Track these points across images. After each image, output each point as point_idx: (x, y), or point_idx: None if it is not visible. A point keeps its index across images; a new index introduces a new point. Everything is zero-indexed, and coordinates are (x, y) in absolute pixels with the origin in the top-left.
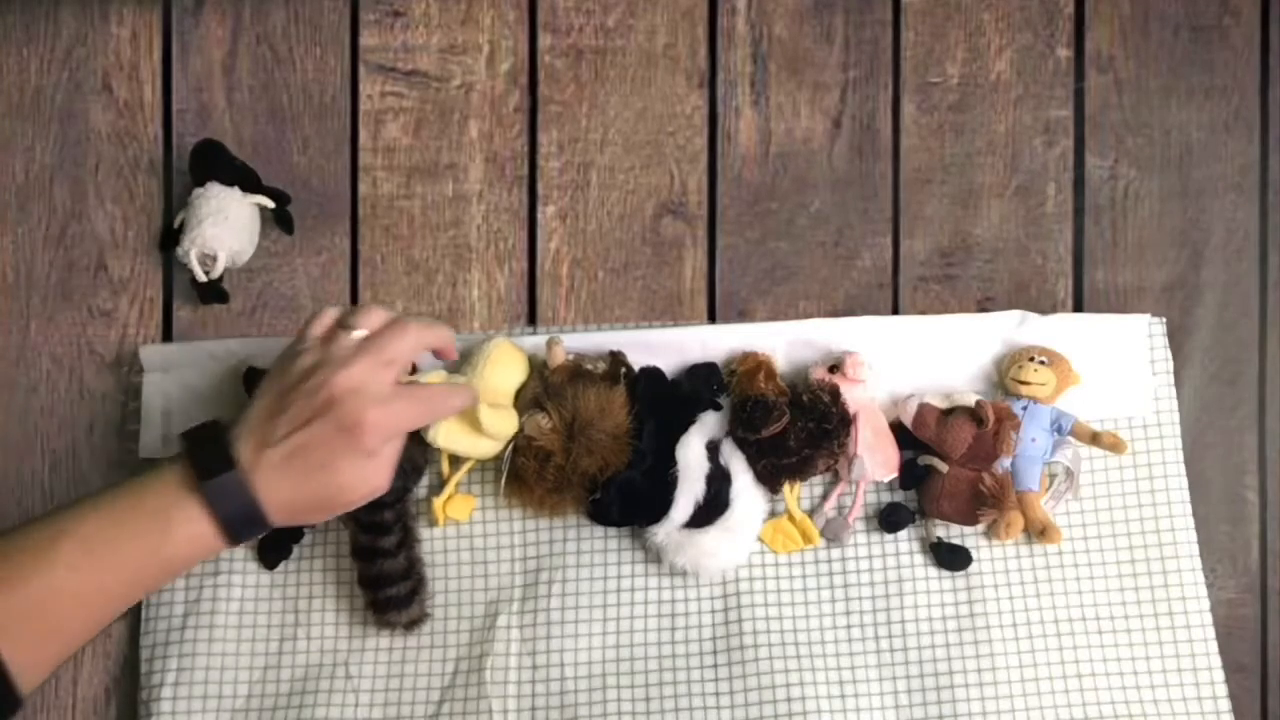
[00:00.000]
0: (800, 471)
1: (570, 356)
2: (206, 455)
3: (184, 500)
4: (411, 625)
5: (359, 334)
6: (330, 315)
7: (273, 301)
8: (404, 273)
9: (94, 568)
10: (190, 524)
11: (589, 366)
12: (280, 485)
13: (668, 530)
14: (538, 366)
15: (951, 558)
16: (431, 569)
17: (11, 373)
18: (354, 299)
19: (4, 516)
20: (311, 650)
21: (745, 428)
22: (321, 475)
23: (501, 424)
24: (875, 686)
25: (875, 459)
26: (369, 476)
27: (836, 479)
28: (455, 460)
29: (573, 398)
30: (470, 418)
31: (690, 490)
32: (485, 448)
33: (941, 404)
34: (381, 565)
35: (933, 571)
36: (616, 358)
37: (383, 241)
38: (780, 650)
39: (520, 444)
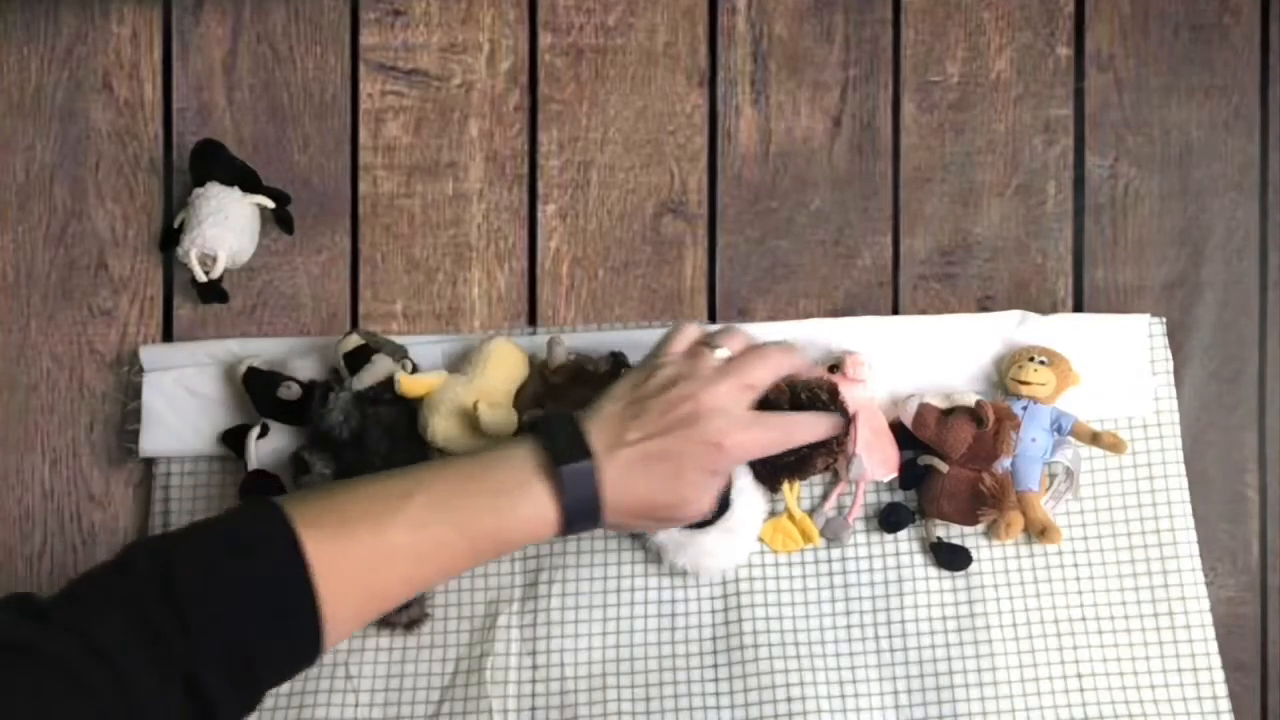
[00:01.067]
0: (799, 470)
1: (571, 357)
2: (563, 441)
3: (533, 480)
4: (411, 625)
5: (723, 354)
6: (693, 331)
7: (273, 300)
8: (404, 271)
9: (437, 531)
10: (533, 504)
11: (590, 367)
12: (626, 486)
13: (668, 530)
14: (538, 366)
15: (951, 558)
16: None
17: (12, 371)
18: (354, 298)
19: (4, 514)
20: None
21: None
22: (667, 484)
23: (501, 423)
24: (875, 686)
25: (875, 459)
26: (705, 496)
27: (836, 479)
28: None
29: (574, 398)
30: (470, 417)
31: None
32: None
33: (941, 404)
34: None
35: (933, 571)
36: (617, 358)
37: (383, 240)
38: (780, 650)
39: None
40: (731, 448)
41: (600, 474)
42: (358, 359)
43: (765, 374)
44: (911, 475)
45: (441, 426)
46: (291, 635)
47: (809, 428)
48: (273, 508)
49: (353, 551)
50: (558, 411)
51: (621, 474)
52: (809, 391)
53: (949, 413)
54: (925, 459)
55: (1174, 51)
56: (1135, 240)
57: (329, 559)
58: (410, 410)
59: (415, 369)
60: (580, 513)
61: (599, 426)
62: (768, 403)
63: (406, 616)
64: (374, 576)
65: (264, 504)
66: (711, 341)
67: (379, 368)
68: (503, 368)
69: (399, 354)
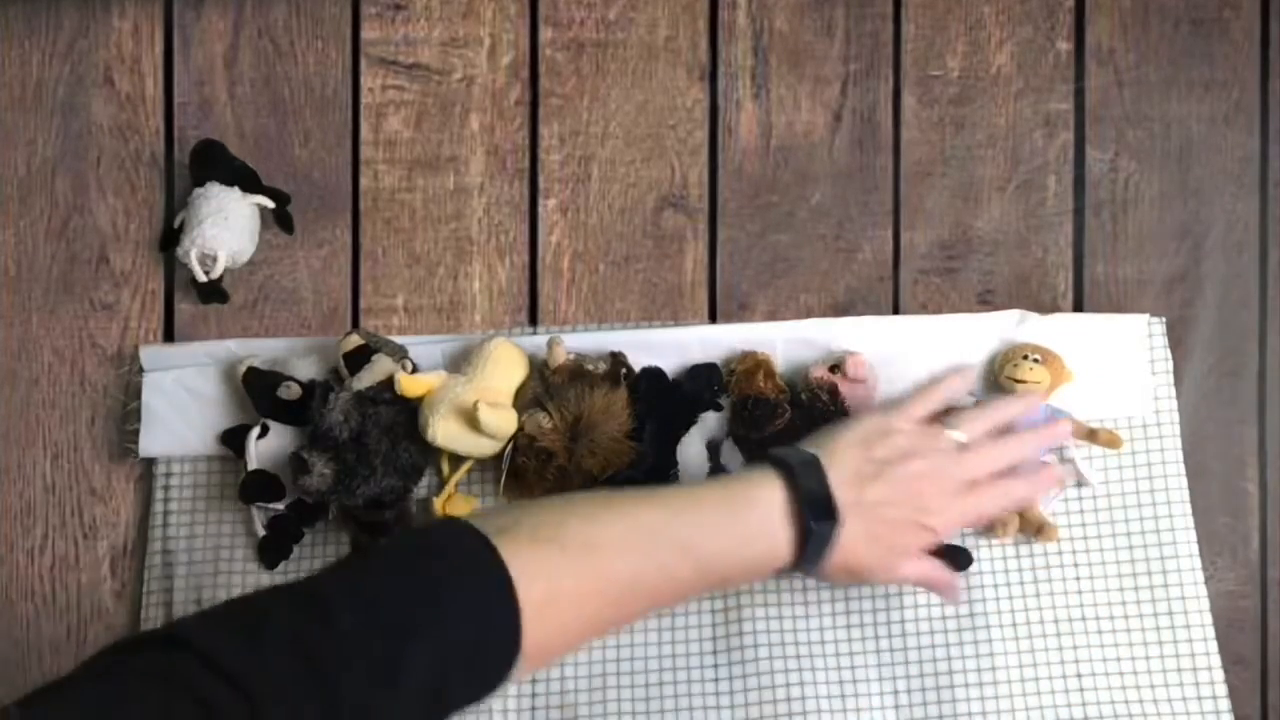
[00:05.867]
0: None
1: (571, 356)
2: (815, 493)
3: (780, 528)
4: None
5: (957, 437)
6: (937, 398)
7: (274, 295)
8: (405, 265)
9: (668, 563)
10: (772, 550)
11: (590, 367)
12: (850, 545)
13: None
14: (538, 366)
15: (952, 558)
16: None
17: (13, 365)
18: (355, 292)
19: (5, 508)
20: None
21: (748, 426)
22: (879, 551)
23: (501, 423)
24: (875, 686)
25: None
26: (903, 566)
27: None
28: (455, 460)
29: (576, 399)
30: (470, 417)
31: None
32: (485, 447)
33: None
34: None
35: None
36: (617, 358)
37: (384, 235)
38: (780, 650)
39: (520, 443)
40: (942, 531)
41: (838, 533)
42: (358, 359)
43: (988, 469)
44: None
45: (441, 426)
46: (488, 655)
47: (1017, 494)
48: (470, 529)
49: (567, 573)
50: (802, 451)
51: (851, 534)
52: (809, 392)
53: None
54: None
55: (1174, 46)
56: (1135, 235)
57: (537, 579)
58: (410, 410)
59: (415, 369)
60: (808, 565)
61: (841, 479)
62: (766, 402)
63: None
64: (589, 602)
65: (460, 524)
66: (950, 421)
67: (379, 368)
68: (502, 367)
69: (399, 354)
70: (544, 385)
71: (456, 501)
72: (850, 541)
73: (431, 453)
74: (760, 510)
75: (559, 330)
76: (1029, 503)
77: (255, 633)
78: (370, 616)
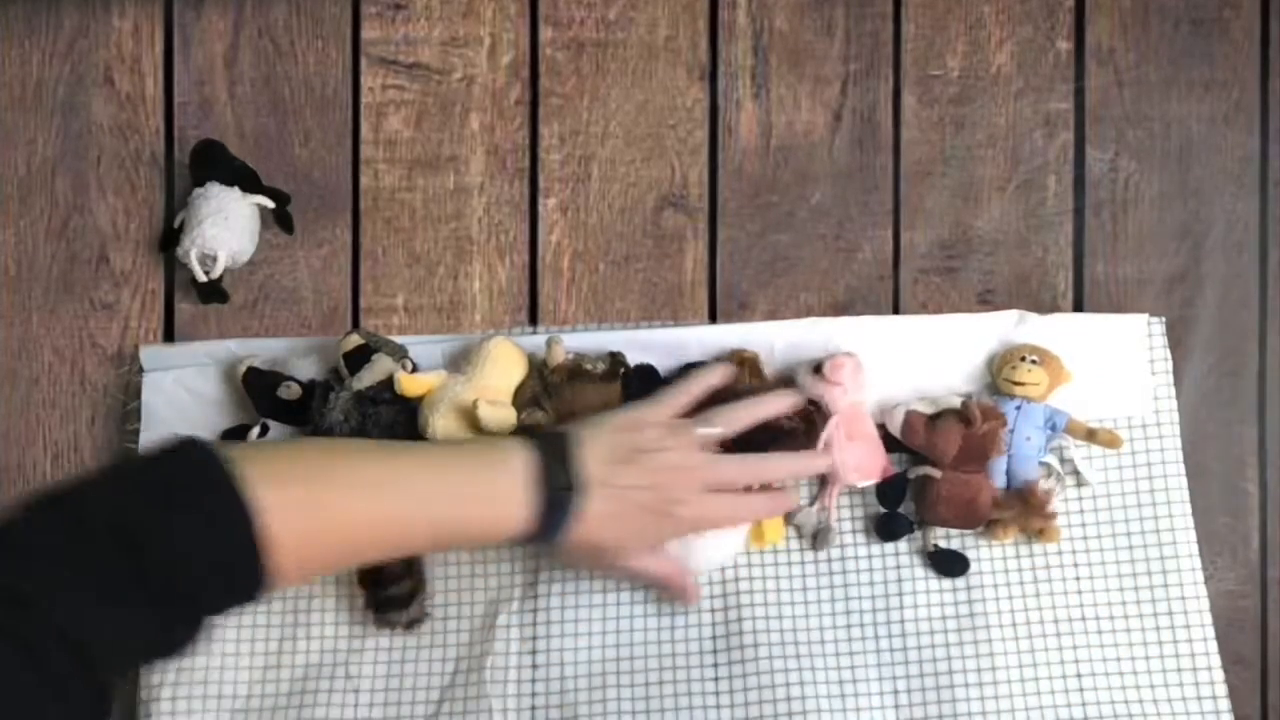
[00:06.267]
0: None
1: (570, 356)
2: (560, 466)
3: (519, 493)
4: (411, 625)
5: (708, 433)
6: (688, 398)
7: (274, 294)
8: (405, 265)
9: (408, 512)
10: (510, 515)
11: (589, 366)
12: (592, 522)
13: None
14: (537, 365)
15: (950, 565)
16: (431, 569)
17: (13, 365)
18: (355, 291)
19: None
20: (311, 650)
21: None
22: (621, 533)
23: (501, 421)
24: (875, 686)
25: (848, 463)
26: (640, 555)
27: (825, 483)
28: None
29: (572, 397)
30: (469, 415)
31: None
32: None
33: (927, 410)
34: (382, 565)
35: (932, 571)
36: (616, 358)
37: (384, 234)
38: (780, 650)
39: None
40: (681, 525)
41: (581, 506)
42: (358, 358)
43: (737, 478)
44: (894, 493)
45: (441, 426)
46: (237, 581)
47: (758, 508)
48: (221, 464)
49: (309, 511)
50: (559, 429)
51: (595, 512)
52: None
53: (936, 418)
54: (917, 470)
55: (1174, 45)
56: (1135, 235)
57: (284, 517)
58: (410, 410)
59: (415, 368)
60: (547, 534)
61: (595, 458)
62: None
63: (406, 616)
64: (328, 539)
65: (215, 459)
66: (709, 419)
67: (379, 367)
68: (501, 366)
69: (399, 353)
70: (543, 384)
71: None
72: (595, 519)
73: None
74: (504, 475)
75: (559, 330)
76: (763, 518)
77: (46, 567)
78: (148, 556)
